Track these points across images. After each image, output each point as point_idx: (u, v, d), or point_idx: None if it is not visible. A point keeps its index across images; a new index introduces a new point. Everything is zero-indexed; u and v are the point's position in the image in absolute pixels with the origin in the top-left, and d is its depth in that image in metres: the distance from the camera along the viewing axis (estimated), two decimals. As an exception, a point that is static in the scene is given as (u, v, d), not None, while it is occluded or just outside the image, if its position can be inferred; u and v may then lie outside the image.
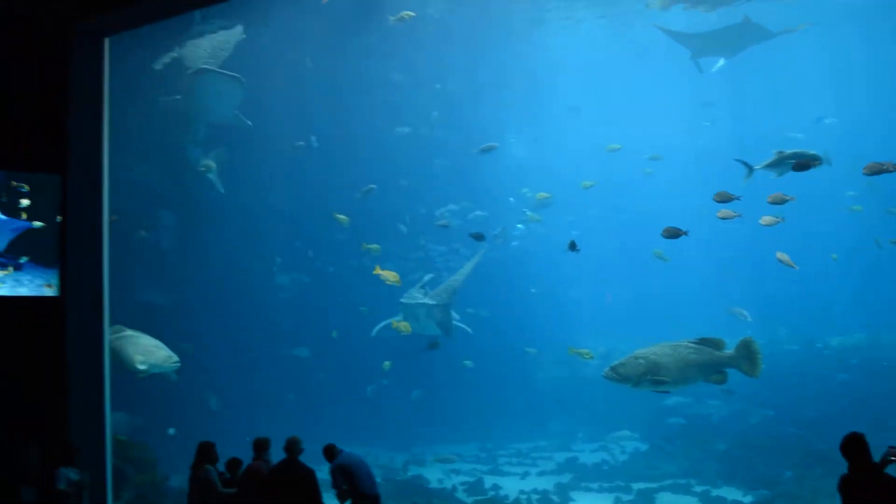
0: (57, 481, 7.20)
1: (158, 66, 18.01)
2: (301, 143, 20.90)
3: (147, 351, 11.65)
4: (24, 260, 7.54)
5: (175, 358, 11.89)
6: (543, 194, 20.47)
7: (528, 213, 22.17)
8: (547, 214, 22.85)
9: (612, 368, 9.69)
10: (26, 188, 7.56)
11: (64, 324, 7.70)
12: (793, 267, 13.12)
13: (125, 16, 7.81)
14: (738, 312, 19.48)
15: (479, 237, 17.78)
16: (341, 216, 18.64)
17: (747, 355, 9.56)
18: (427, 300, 17.99)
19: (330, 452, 7.56)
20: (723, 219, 11.95)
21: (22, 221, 7.52)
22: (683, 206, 21.45)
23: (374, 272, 15.15)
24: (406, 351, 19.90)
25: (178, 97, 18.15)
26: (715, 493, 15.60)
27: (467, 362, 20.36)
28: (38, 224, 7.59)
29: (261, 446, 7.44)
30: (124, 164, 17.78)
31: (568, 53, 26.51)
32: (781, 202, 11.18)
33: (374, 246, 18.74)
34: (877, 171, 9.62)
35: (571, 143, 28.65)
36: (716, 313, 24.00)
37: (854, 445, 5.04)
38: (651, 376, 9.36)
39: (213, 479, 7.23)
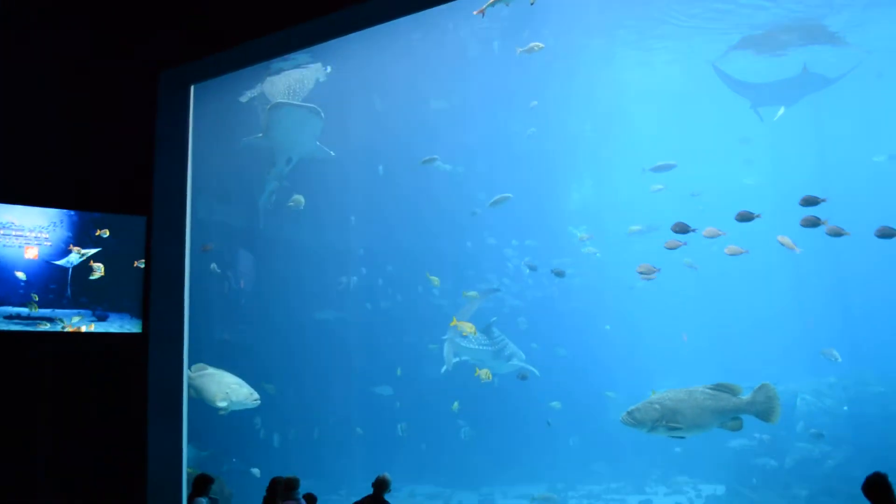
0: None
1: (244, 98, 18.58)
2: (379, 167, 21.16)
3: (229, 389, 11.99)
4: (104, 307, 7.86)
5: (256, 395, 12.20)
6: (584, 235, 20.40)
7: (594, 249, 22.04)
8: (617, 250, 22.68)
9: (629, 413, 9.68)
10: (107, 234, 7.89)
11: (146, 361, 7.96)
12: (794, 250, 12.93)
13: (209, 65, 8.15)
14: (830, 354, 18.78)
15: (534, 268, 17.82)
16: (434, 278, 18.97)
17: (765, 401, 9.38)
18: (472, 345, 18.11)
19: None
20: (731, 255, 12.10)
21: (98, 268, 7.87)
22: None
23: (452, 324, 15.42)
24: (474, 389, 19.84)
25: (259, 135, 18.65)
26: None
27: (555, 403, 20.11)
28: (116, 269, 7.91)
29: (290, 486, 7.56)
30: (206, 206, 18.57)
31: (638, 89, 26.43)
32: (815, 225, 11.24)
33: (435, 278, 18.95)
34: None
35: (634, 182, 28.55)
36: (798, 351, 23.31)
37: (877, 487, 4.83)
38: (666, 422, 9.24)
39: None
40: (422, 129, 23.47)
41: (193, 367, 11.87)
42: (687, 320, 29.26)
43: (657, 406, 9.45)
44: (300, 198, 18.66)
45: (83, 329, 7.69)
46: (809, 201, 11.21)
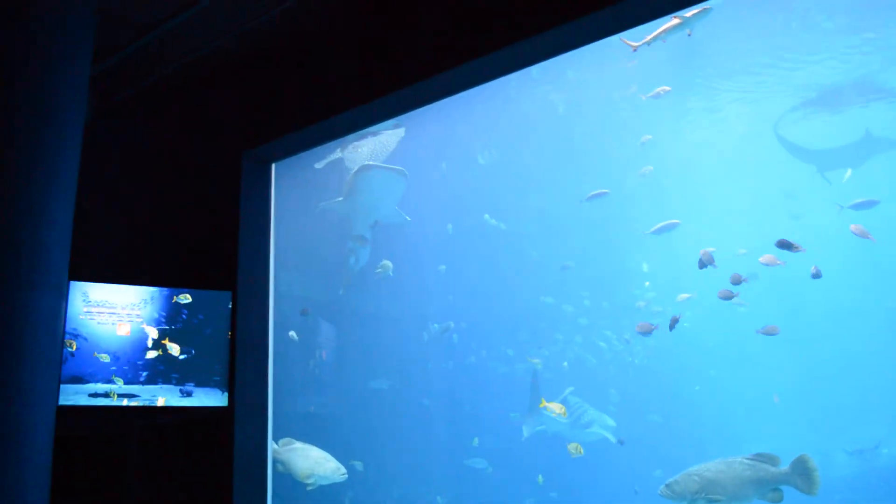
0: None
1: (319, 165, 18.84)
2: (449, 225, 21.23)
3: (316, 463, 12.01)
4: (192, 383, 8.03)
5: (343, 470, 12.15)
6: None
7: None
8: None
9: (668, 486, 9.42)
10: (196, 310, 8.11)
11: (233, 433, 8.05)
12: (870, 238, 12.53)
13: (290, 143, 8.43)
14: None
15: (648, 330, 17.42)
16: (535, 360, 18.98)
17: (803, 472, 8.91)
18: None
19: None
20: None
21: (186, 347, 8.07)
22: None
23: (540, 405, 15.24)
24: (562, 459, 19.34)
25: (339, 199, 18.86)
26: None
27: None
28: (203, 345, 8.10)
29: None
30: (286, 279, 18.94)
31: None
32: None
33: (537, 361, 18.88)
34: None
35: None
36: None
37: None
38: (705, 494, 8.91)
39: None
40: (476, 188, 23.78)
41: (281, 442, 11.95)
42: (776, 379, 28.09)
43: (696, 478, 9.25)
44: (388, 263, 18.63)
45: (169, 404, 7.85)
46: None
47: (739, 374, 27.75)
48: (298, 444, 12.17)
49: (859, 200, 19.16)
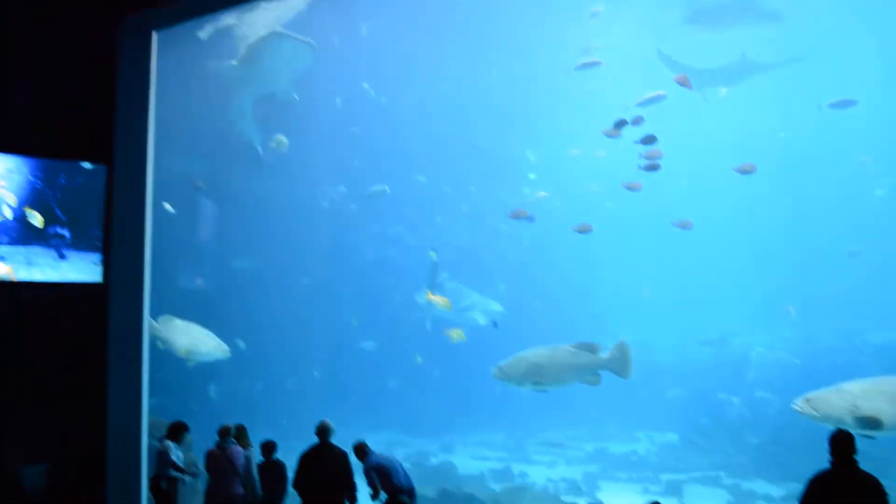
0: (169, 453, 7.62)
1: (204, 34, 17.55)
2: (337, 99, 20.59)
3: (197, 340, 12.01)
4: (66, 247, 7.82)
5: (225, 347, 12.25)
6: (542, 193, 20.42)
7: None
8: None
9: (500, 368, 10.17)
10: (69, 181, 7.84)
11: (107, 310, 7.97)
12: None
13: (172, 12, 8.01)
14: (788, 309, 19.28)
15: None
16: (433, 253, 19.05)
17: (620, 358, 9.89)
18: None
19: (362, 452, 7.77)
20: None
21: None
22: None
23: (426, 297, 15.63)
24: (434, 342, 20.15)
25: (233, 62, 17.76)
26: (745, 486, 15.56)
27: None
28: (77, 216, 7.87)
29: (224, 433, 7.73)
30: (168, 153, 18.10)
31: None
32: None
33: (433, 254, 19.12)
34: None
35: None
36: (756, 306, 24.02)
37: (841, 442, 5.11)
38: (532, 377, 9.75)
39: (167, 453, 7.70)
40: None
41: (160, 319, 11.85)
42: (650, 275, 29.91)
43: (525, 362, 10.04)
44: (283, 138, 17.73)
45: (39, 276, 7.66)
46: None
47: (625, 267, 29.43)
48: (179, 322, 12.14)
49: (838, 100, 19.72)
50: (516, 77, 25.37)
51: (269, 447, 8.07)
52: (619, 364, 9.89)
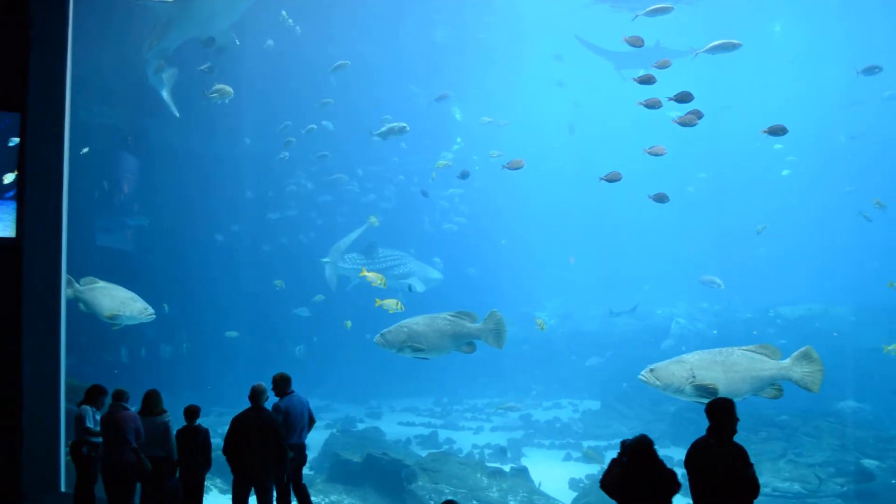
0: (85, 418, 7.27)
1: None
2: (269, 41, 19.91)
3: (122, 303, 11.50)
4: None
5: (151, 310, 11.73)
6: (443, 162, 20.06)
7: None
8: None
9: (381, 335, 10.31)
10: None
11: (20, 265, 7.57)
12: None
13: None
14: (712, 281, 19.73)
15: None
16: (373, 218, 18.73)
17: (494, 328, 10.09)
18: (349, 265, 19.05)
19: (282, 386, 7.64)
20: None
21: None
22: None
23: (361, 274, 15.33)
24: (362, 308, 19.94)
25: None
26: (662, 452, 16.00)
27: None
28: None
29: (115, 397, 7.51)
30: (86, 105, 17.16)
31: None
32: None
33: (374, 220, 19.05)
34: None
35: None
36: (678, 278, 24.70)
37: (720, 411, 5.31)
38: (411, 343, 9.90)
39: (83, 418, 7.41)
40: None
41: (83, 280, 11.30)
42: (577, 245, 30.49)
43: (405, 329, 10.08)
44: (227, 88, 15.77)
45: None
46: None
47: (552, 235, 29.87)
48: (101, 283, 11.62)
49: (867, 67, 19.71)
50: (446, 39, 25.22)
51: (190, 412, 7.80)
52: (493, 334, 9.99)
